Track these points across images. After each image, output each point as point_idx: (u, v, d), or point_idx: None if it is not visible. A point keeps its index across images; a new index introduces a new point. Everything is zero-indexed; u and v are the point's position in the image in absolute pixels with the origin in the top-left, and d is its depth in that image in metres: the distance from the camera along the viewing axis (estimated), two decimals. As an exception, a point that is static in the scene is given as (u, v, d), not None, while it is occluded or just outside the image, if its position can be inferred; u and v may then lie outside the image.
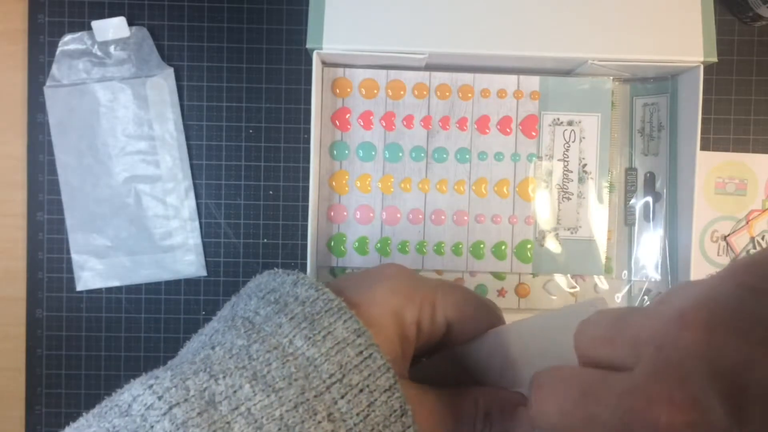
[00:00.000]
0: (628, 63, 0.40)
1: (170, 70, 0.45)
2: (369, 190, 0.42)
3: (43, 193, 0.46)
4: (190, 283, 0.46)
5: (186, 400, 0.20)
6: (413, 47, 0.39)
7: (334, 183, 0.42)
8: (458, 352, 0.27)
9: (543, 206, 0.43)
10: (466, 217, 0.42)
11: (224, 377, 0.21)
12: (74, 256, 0.46)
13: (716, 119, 0.46)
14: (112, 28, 0.44)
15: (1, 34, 0.46)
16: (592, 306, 0.23)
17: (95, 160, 0.45)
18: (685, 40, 0.39)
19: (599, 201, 0.43)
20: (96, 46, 0.45)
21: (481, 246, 0.42)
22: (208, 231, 0.46)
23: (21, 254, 0.46)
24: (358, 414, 0.21)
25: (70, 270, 0.46)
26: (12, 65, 0.46)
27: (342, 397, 0.21)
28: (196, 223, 0.46)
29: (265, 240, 0.46)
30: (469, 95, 0.42)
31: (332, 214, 0.42)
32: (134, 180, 0.45)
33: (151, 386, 0.21)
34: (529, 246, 0.42)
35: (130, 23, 0.45)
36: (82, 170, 0.45)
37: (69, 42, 0.45)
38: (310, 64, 0.39)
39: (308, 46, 0.39)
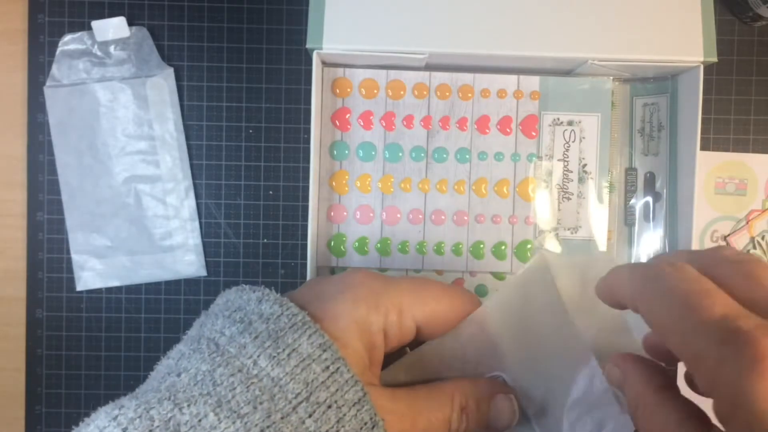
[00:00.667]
0: (628, 63, 0.40)
1: (170, 70, 0.45)
2: (369, 190, 0.42)
3: (43, 193, 0.46)
4: (190, 283, 0.46)
5: (150, 431, 0.20)
6: (413, 47, 0.39)
7: (334, 183, 0.42)
8: (433, 347, 0.27)
9: (543, 206, 0.43)
10: (466, 217, 0.42)
11: (189, 406, 0.20)
12: (74, 256, 0.46)
13: (716, 119, 0.46)
14: (112, 28, 0.44)
15: (1, 34, 0.46)
16: (541, 270, 0.24)
17: (95, 160, 0.45)
18: (685, 40, 0.39)
19: (599, 201, 0.43)
20: (96, 46, 0.45)
21: (481, 246, 0.42)
22: (208, 231, 0.46)
23: (21, 254, 0.46)
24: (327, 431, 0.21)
25: (70, 270, 0.46)
26: (12, 65, 0.46)
27: (309, 416, 0.21)
28: (196, 223, 0.46)
29: (265, 240, 0.46)
30: (469, 95, 0.42)
31: (332, 214, 0.42)
32: (134, 180, 0.45)
33: (116, 417, 0.20)
34: (529, 246, 0.42)
35: (130, 23, 0.45)
36: (82, 170, 0.45)
37: (69, 42, 0.45)
38: (310, 64, 0.39)
39: (308, 46, 0.39)
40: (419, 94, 0.42)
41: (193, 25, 0.46)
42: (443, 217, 0.42)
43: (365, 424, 0.21)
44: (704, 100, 0.40)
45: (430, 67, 0.42)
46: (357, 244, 0.42)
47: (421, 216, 0.42)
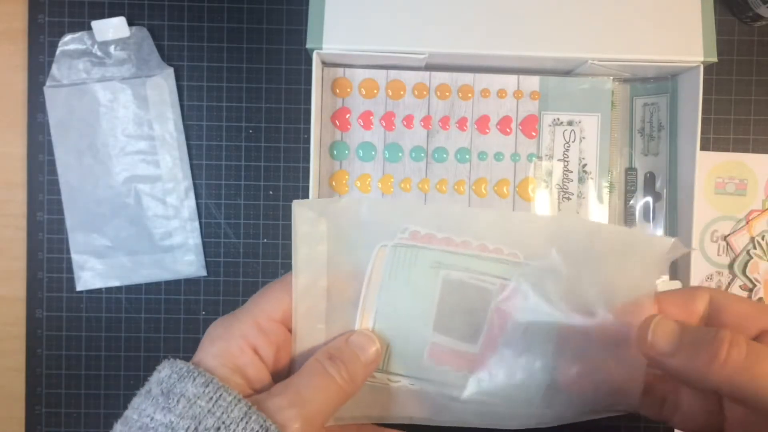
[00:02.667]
0: (628, 63, 0.40)
1: (170, 70, 0.45)
2: (369, 190, 0.42)
3: (43, 193, 0.46)
4: (190, 283, 0.46)
5: None
6: (413, 47, 0.39)
7: (334, 183, 0.42)
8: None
9: (543, 206, 0.43)
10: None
11: None
12: (74, 256, 0.46)
13: (716, 119, 0.46)
14: (112, 28, 0.44)
15: (1, 34, 0.46)
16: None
17: (95, 160, 0.45)
18: (685, 40, 0.39)
19: (599, 201, 0.43)
20: (96, 46, 0.45)
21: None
22: (208, 231, 0.46)
23: (21, 254, 0.46)
24: None
25: (70, 270, 0.46)
26: (12, 65, 0.46)
27: None
28: (196, 223, 0.46)
29: (265, 240, 0.46)
30: (469, 95, 0.42)
31: (332, 214, 0.42)
32: (134, 180, 0.45)
33: None
34: (529, 246, 0.42)
35: (130, 23, 0.45)
36: (82, 170, 0.45)
37: (69, 42, 0.45)
38: (310, 64, 0.39)
39: (308, 46, 0.39)
40: (419, 94, 0.42)
41: (193, 25, 0.46)
42: (443, 217, 0.42)
43: None
44: (704, 100, 0.40)
45: (430, 67, 0.42)
46: (357, 244, 0.42)
47: (421, 216, 0.42)
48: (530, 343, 0.28)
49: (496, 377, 0.29)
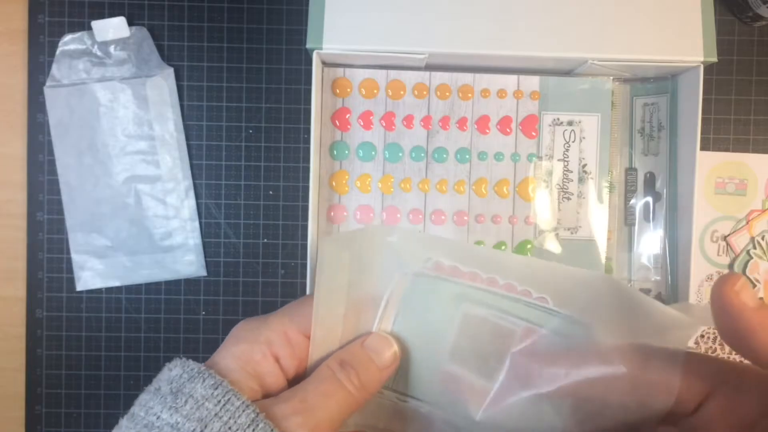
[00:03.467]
0: (628, 63, 0.40)
1: (170, 70, 0.45)
2: (369, 190, 0.42)
3: (43, 193, 0.46)
4: (190, 283, 0.46)
5: None
6: (413, 47, 0.39)
7: (334, 183, 0.42)
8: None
9: (543, 206, 0.43)
10: (466, 217, 0.42)
11: None
12: (74, 256, 0.46)
13: (716, 119, 0.46)
14: (112, 28, 0.44)
15: (1, 34, 0.46)
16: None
17: (95, 160, 0.45)
18: (685, 40, 0.39)
19: (599, 201, 0.43)
20: (96, 46, 0.45)
21: (482, 246, 0.42)
22: (208, 231, 0.46)
23: (21, 254, 0.46)
24: None
25: (70, 270, 0.46)
26: (12, 65, 0.46)
27: None
28: (196, 223, 0.46)
29: (265, 240, 0.46)
30: (469, 95, 0.42)
31: (332, 214, 0.42)
32: (134, 180, 0.45)
33: None
34: (529, 246, 0.42)
35: (130, 23, 0.45)
36: (82, 170, 0.45)
37: (69, 42, 0.45)
38: (310, 64, 0.39)
39: (308, 46, 0.39)
40: (419, 94, 0.42)
41: (193, 25, 0.46)
42: (443, 217, 0.42)
43: None
44: (704, 100, 0.40)
45: (430, 67, 0.42)
46: (357, 244, 0.42)
47: (421, 216, 0.42)
48: (548, 394, 0.27)
49: (509, 418, 0.28)
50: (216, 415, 0.24)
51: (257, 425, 0.24)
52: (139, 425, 0.25)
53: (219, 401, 0.25)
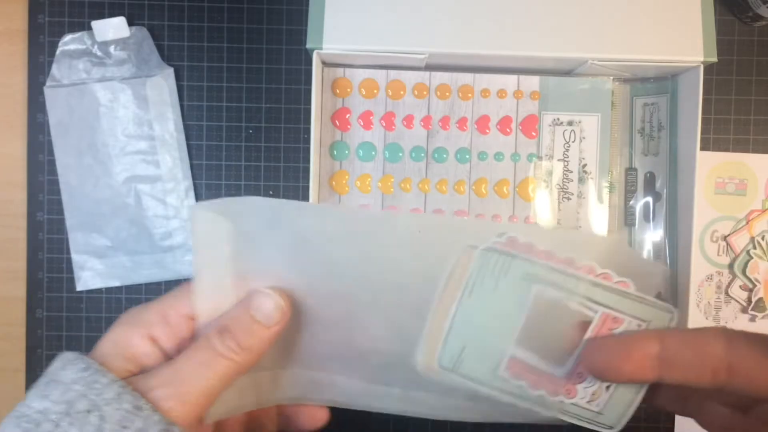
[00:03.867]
0: (628, 63, 0.40)
1: (170, 70, 0.45)
2: (369, 190, 0.42)
3: (43, 193, 0.46)
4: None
5: None
6: (413, 47, 0.39)
7: (334, 183, 0.42)
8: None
9: (543, 206, 0.43)
10: (466, 218, 0.42)
11: None
12: (74, 256, 0.46)
13: (716, 119, 0.46)
14: (112, 28, 0.44)
15: (1, 34, 0.46)
16: None
17: (95, 160, 0.45)
18: (685, 40, 0.39)
19: (599, 201, 0.43)
20: (96, 46, 0.45)
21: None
22: (208, 231, 0.46)
23: (21, 254, 0.46)
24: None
25: (70, 270, 0.46)
26: (12, 65, 0.46)
27: (71, 425, 0.24)
28: (196, 223, 0.46)
29: (265, 240, 0.46)
30: (469, 95, 0.42)
31: (332, 214, 0.42)
32: (134, 180, 0.45)
33: None
34: (529, 246, 0.42)
35: (130, 23, 0.45)
36: (82, 170, 0.45)
37: (69, 42, 0.45)
38: (310, 64, 0.39)
39: (308, 46, 0.39)
40: (419, 94, 0.42)
41: (193, 25, 0.46)
42: (443, 217, 0.42)
43: (129, 411, 0.25)
44: (704, 100, 0.39)
45: (430, 67, 0.42)
46: (357, 244, 0.42)
47: (421, 216, 0.42)
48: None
49: (579, 403, 0.27)
50: (82, 395, 0.25)
51: (122, 397, 0.25)
52: (11, 417, 0.25)
53: (87, 382, 0.26)
